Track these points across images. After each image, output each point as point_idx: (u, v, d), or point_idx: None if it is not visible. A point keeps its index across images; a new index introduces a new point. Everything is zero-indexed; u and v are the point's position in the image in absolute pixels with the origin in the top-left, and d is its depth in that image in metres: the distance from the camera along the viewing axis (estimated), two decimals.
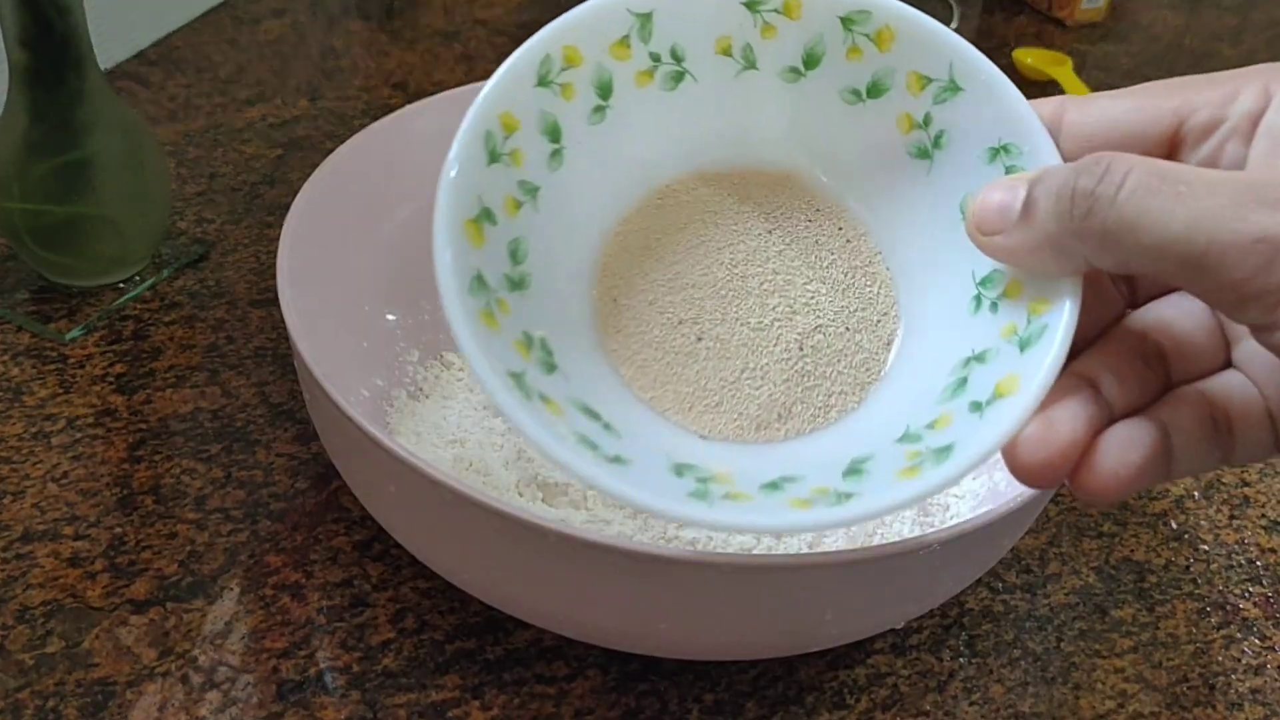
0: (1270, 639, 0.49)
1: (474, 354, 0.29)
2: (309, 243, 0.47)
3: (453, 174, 0.31)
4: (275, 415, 0.53)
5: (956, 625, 0.48)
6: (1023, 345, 0.31)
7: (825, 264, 0.36)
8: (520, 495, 0.45)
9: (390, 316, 0.53)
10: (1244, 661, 0.48)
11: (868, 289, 0.36)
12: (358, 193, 0.52)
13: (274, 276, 0.44)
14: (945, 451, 0.30)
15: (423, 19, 0.85)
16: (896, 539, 0.45)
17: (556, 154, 0.34)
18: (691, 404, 0.34)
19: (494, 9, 0.87)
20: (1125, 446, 0.29)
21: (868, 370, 0.35)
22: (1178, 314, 0.32)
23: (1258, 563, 0.52)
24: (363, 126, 0.53)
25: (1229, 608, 0.50)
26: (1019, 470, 0.30)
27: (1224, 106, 0.30)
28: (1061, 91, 0.82)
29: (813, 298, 0.35)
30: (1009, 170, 0.33)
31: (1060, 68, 0.84)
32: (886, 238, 0.36)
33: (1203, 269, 0.26)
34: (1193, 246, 0.26)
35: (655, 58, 0.35)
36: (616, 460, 0.30)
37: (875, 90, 0.36)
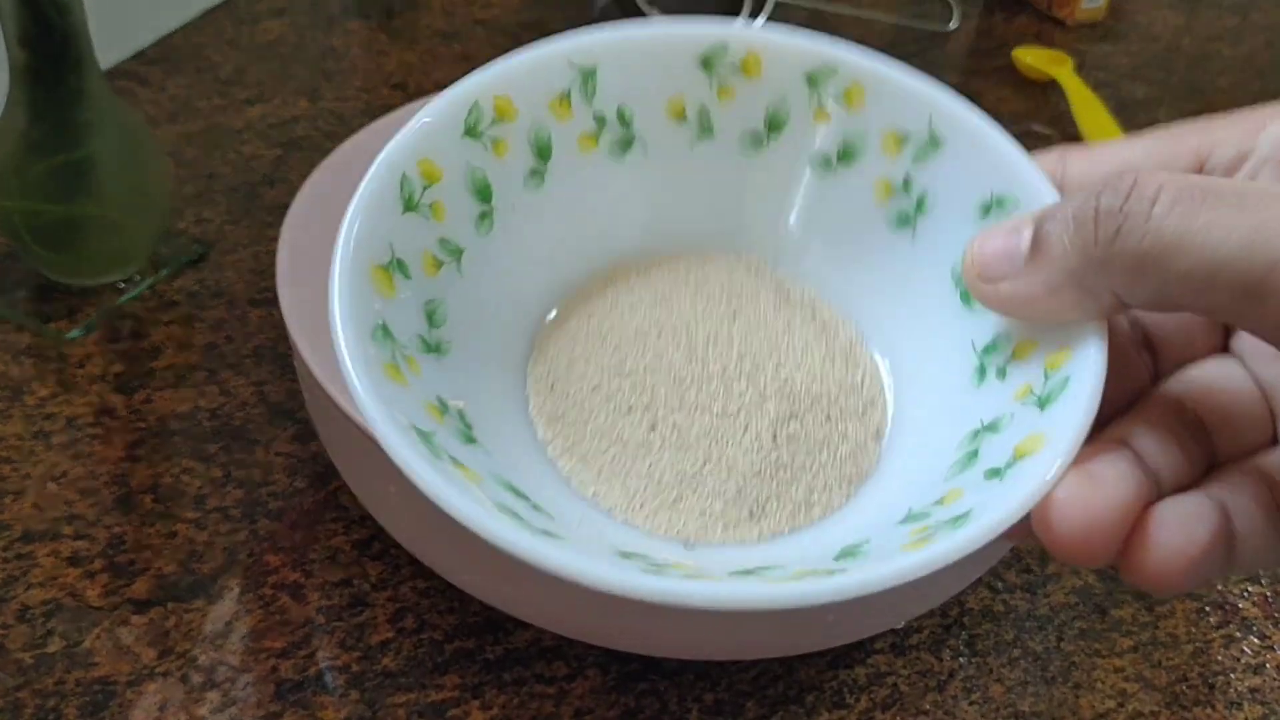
0: (1269, 638, 0.49)
1: (367, 399, 0.25)
2: (308, 243, 0.47)
3: (359, 210, 0.28)
4: (274, 415, 0.53)
5: (957, 625, 0.48)
6: (1042, 403, 0.27)
7: (799, 349, 0.32)
8: None
9: None
10: (1243, 661, 0.48)
11: (850, 375, 0.31)
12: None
13: (273, 276, 0.44)
14: (961, 519, 0.25)
15: (422, 19, 0.85)
16: None
17: (485, 216, 0.31)
18: (644, 501, 0.29)
19: (493, 9, 0.87)
20: (1188, 521, 0.24)
21: (856, 464, 0.30)
22: (1216, 380, 0.27)
23: None
24: (362, 126, 0.53)
25: (1228, 607, 0.50)
26: (1058, 540, 0.24)
27: (1250, 138, 0.27)
28: (1062, 91, 0.82)
29: (786, 384, 0.31)
30: None
31: (1061, 67, 0.84)
32: (868, 317, 0.32)
33: (1263, 297, 0.22)
34: (1252, 268, 0.22)
35: (600, 120, 0.32)
36: (546, 535, 0.25)
37: (847, 155, 0.32)
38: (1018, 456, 0.26)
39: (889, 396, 0.31)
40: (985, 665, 0.46)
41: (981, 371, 0.29)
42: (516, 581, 0.41)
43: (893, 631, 0.47)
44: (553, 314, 0.32)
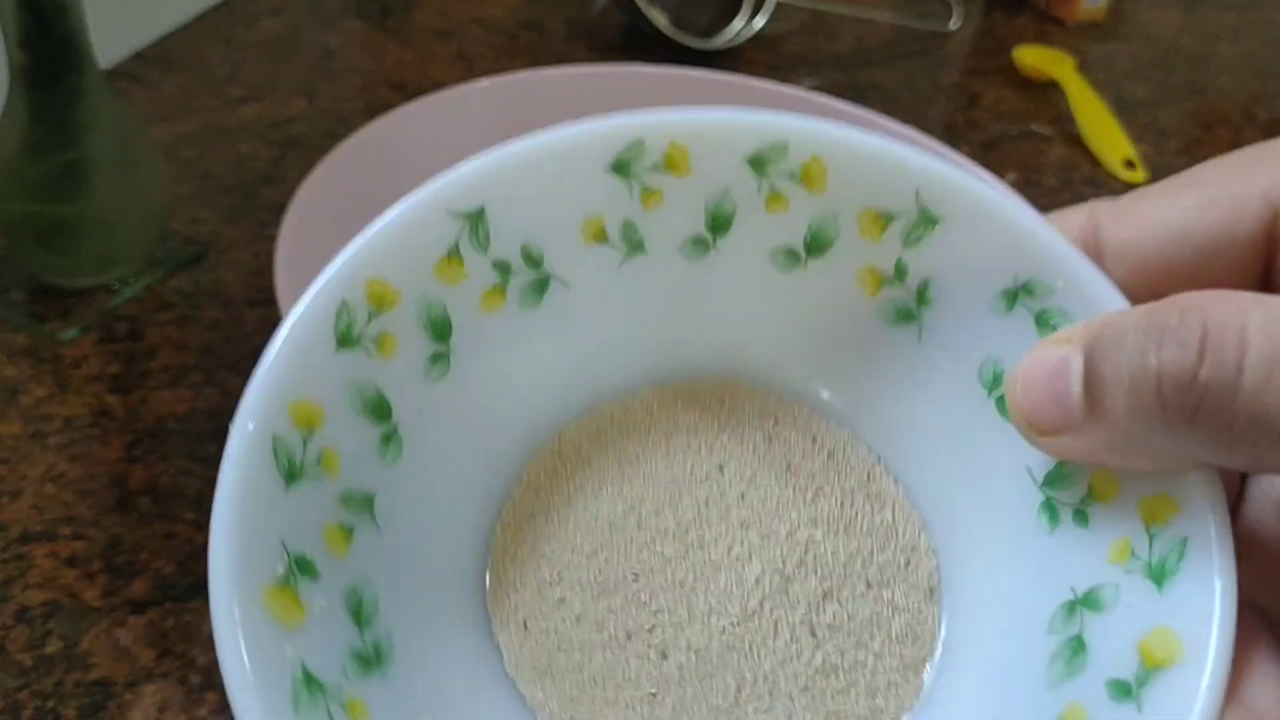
0: None
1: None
2: (306, 243, 0.47)
3: (225, 526, 0.22)
4: None
5: None
6: (1157, 576, 0.21)
7: (809, 495, 0.26)
8: None
9: None
10: None
11: (878, 517, 0.26)
12: (355, 192, 0.51)
13: (270, 276, 0.44)
14: None
15: (420, 18, 0.85)
16: None
17: (390, 439, 0.24)
18: None
19: (491, 8, 0.87)
20: None
21: (916, 640, 0.25)
22: None
23: None
24: (360, 126, 0.53)
25: None
26: None
27: None
28: (1062, 91, 0.82)
29: (807, 549, 0.25)
30: (1041, 319, 0.24)
31: (1061, 67, 0.84)
32: (883, 441, 0.27)
33: None
34: None
35: (502, 268, 0.26)
36: None
37: (817, 245, 0.26)
38: (1149, 666, 0.20)
39: (929, 545, 0.26)
40: None
41: (1051, 512, 0.23)
42: None
43: None
44: (500, 524, 0.26)
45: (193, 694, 0.42)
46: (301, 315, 0.24)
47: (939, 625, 0.24)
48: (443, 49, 0.82)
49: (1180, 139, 0.82)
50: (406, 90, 0.77)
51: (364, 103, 0.75)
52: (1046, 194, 0.74)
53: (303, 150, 0.70)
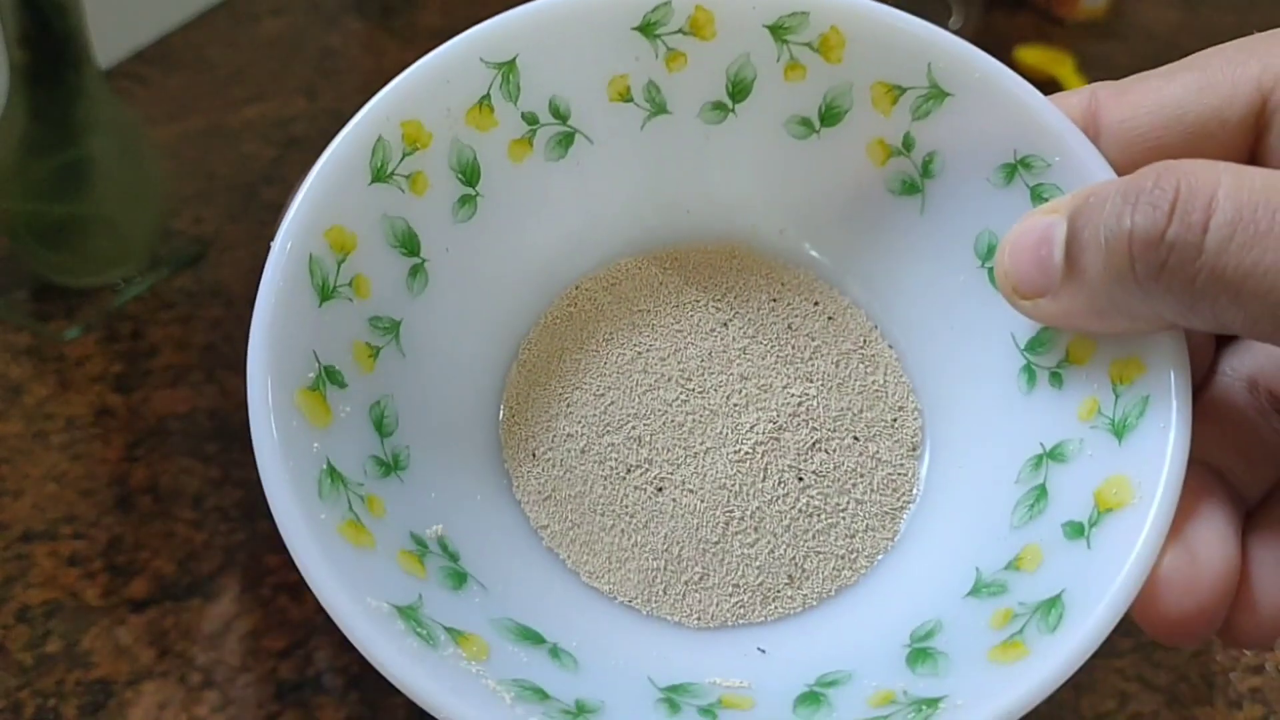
0: None
1: (336, 599, 0.22)
2: None
3: (265, 324, 0.23)
4: None
5: None
6: (1118, 430, 0.22)
7: (806, 354, 0.27)
8: None
9: None
10: (1243, 661, 0.48)
11: (870, 377, 0.27)
12: None
13: None
14: (1053, 608, 0.22)
15: (421, 18, 0.85)
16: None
17: (417, 271, 0.26)
18: (666, 585, 0.25)
19: (491, 7, 0.87)
20: None
21: (896, 491, 0.26)
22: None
23: None
24: None
25: None
26: (1165, 628, 0.22)
27: None
28: (1063, 91, 0.82)
29: (800, 403, 0.26)
30: (1036, 192, 0.25)
31: (1061, 66, 0.84)
32: (881, 307, 0.28)
33: None
34: None
35: (530, 119, 0.27)
36: (581, 711, 0.22)
37: (831, 115, 0.27)
38: (1101, 509, 0.22)
39: (917, 402, 0.27)
40: None
41: (1030, 374, 0.25)
42: None
43: None
44: (516, 360, 0.27)
45: (192, 693, 0.42)
46: (339, 148, 0.25)
47: (918, 479, 0.26)
48: None
49: None
50: None
51: (364, 102, 0.75)
52: None
53: (304, 150, 0.70)
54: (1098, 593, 0.22)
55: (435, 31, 0.83)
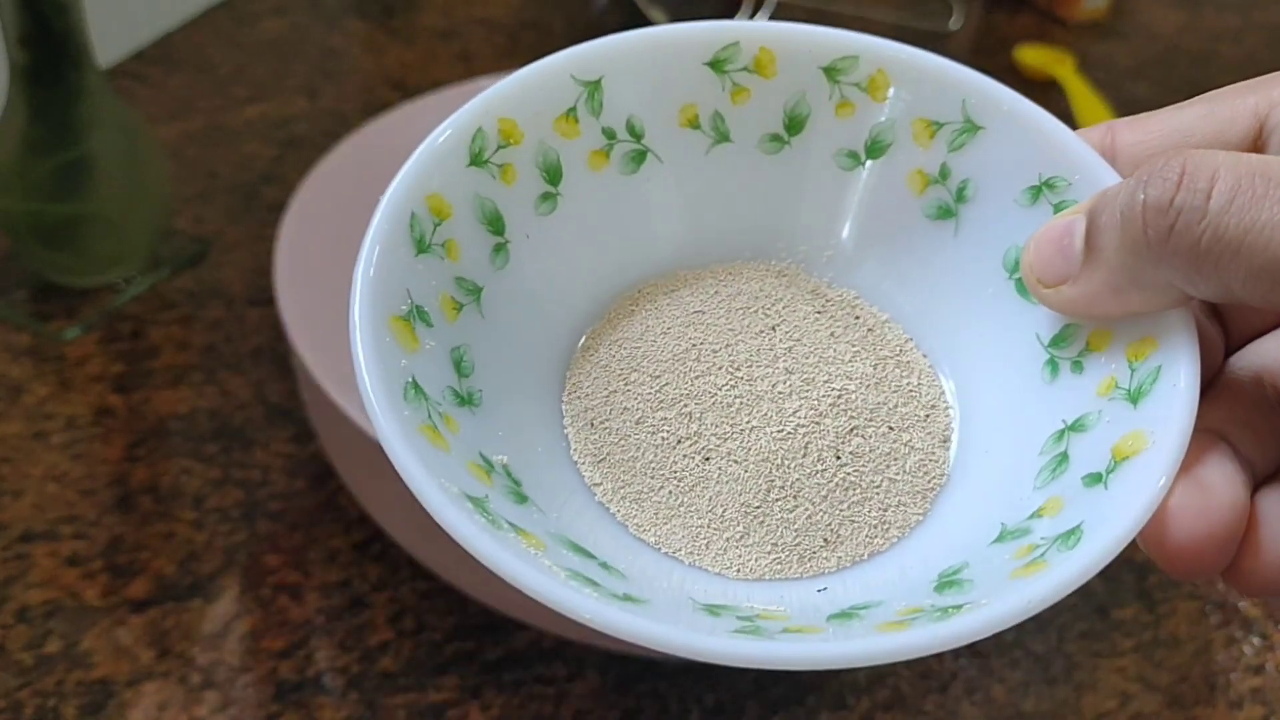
0: (1270, 638, 0.48)
1: (412, 467, 0.24)
2: (307, 242, 0.47)
3: (372, 258, 0.26)
4: (273, 415, 0.53)
5: None
6: (1134, 398, 0.25)
7: (846, 359, 0.30)
8: None
9: None
10: (1244, 661, 0.48)
11: (905, 380, 0.30)
12: (356, 192, 0.51)
13: (272, 276, 0.44)
14: (1072, 535, 0.24)
15: (421, 18, 0.85)
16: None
17: (500, 249, 0.29)
18: (709, 540, 0.27)
19: (492, 8, 0.87)
20: None
21: (927, 474, 0.28)
22: None
23: None
24: (361, 125, 0.53)
25: (1229, 607, 0.50)
26: (1173, 555, 0.23)
27: None
28: (1063, 90, 0.82)
29: (840, 397, 0.29)
30: (1058, 208, 0.27)
31: (1062, 67, 0.84)
32: (916, 318, 0.31)
33: None
34: None
35: (609, 134, 0.30)
36: (627, 599, 0.24)
37: (876, 149, 0.31)
38: (1118, 459, 0.24)
39: (951, 399, 0.30)
40: (987, 666, 0.46)
41: (1053, 366, 0.27)
42: None
43: None
44: (581, 344, 0.30)
45: (192, 693, 0.42)
46: (445, 130, 0.28)
47: (949, 465, 0.29)
48: (444, 49, 0.82)
49: None
50: (407, 90, 0.77)
51: (365, 102, 0.75)
52: None
53: (304, 149, 0.70)
54: (1115, 518, 0.23)
55: (436, 32, 0.83)
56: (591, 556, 0.26)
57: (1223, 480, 0.23)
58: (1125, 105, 0.84)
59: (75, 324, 0.56)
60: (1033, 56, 0.85)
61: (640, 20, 0.79)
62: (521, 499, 0.26)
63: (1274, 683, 0.47)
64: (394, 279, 0.26)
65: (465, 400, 0.27)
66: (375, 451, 0.38)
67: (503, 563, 0.23)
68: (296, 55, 0.79)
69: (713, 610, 0.25)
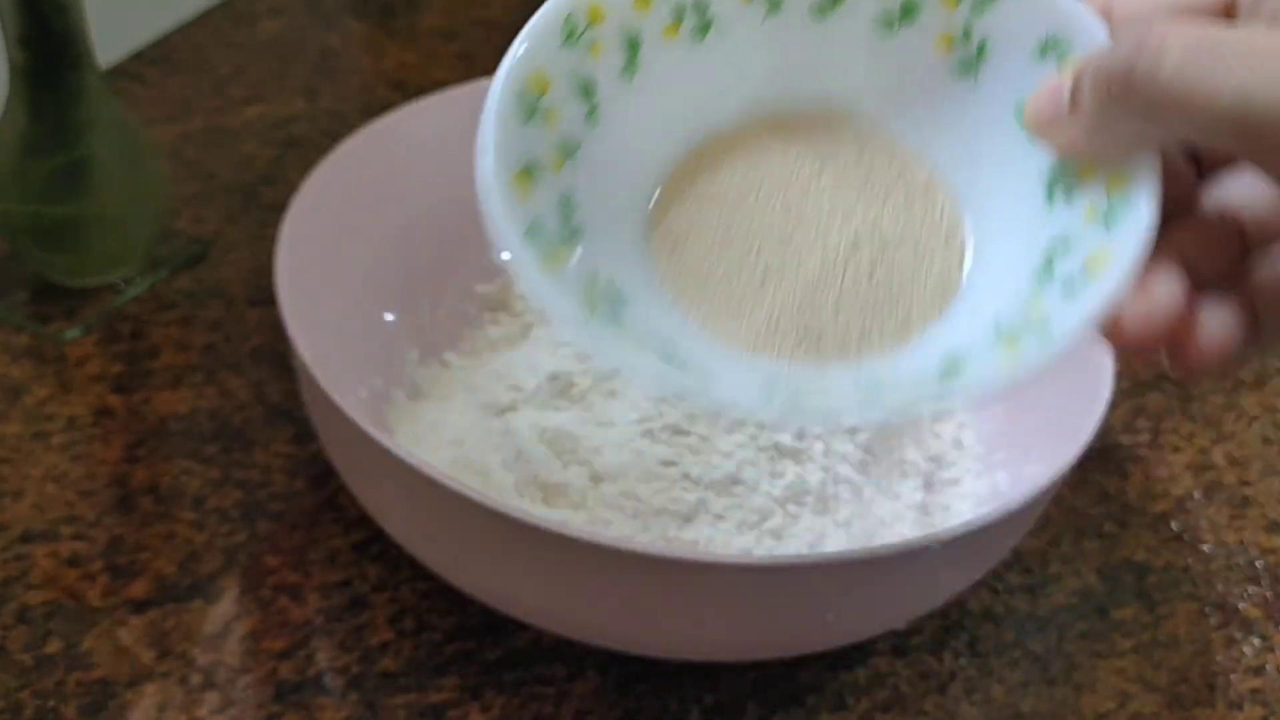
0: (1270, 639, 0.49)
1: (543, 290, 0.31)
2: (307, 242, 0.47)
3: (493, 128, 0.33)
4: (273, 415, 0.53)
5: (957, 626, 0.47)
6: (1107, 222, 0.31)
7: (882, 195, 0.36)
8: (520, 496, 0.45)
9: (389, 316, 0.53)
10: (1244, 662, 0.48)
11: (930, 212, 0.35)
12: (356, 192, 0.52)
13: (271, 276, 0.44)
14: (1043, 326, 0.31)
15: (421, 18, 0.85)
16: (897, 539, 0.45)
17: (592, 112, 0.35)
18: (769, 338, 0.34)
19: (492, 8, 0.87)
20: (1224, 318, 0.29)
21: (944, 285, 0.35)
22: (1249, 188, 0.31)
23: (1258, 563, 0.52)
24: (361, 126, 0.53)
25: (1229, 608, 0.50)
26: (1123, 346, 0.30)
27: None
28: None
29: (875, 225, 0.35)
30: (1061, 64, 0.33)
31: None
32: (943, 160, 0.36)
33: (1257, 140, 0.26)
34: (1244, 117, 0.25)
35: (679, 11, 0.36)
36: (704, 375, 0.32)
37: (908, 14, 0.36)
38: (1089, 271, 0.30)
39: (967, 225, 0.35)
40: (986, 666, 0.46)
41: (1050, 194, 0.33)
42: (516, 582, 0.40)
43: (893, 632, 0.47)
44: (661, 188, 0.36)
45: (193, 694, 0.42)
46: (541, 17, 0.34)
47: (962, 279, 0.34)
48: (444, 49, 0.82)
49: None
50: (407, 90, 0.77)
51: (365, 103, 0.75)
52: None
53: (304, 150, 0.70)
54: (1076, 317, 0.30)
55: (436, 32, 0.83)
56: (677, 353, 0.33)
57: (1166, 291, 0.29)
58: None
59: (75, 325, 0.56)
60: None
61: None
62: (622, 305, 0.33)
63: (1274, 684, 0.47)
64: (512, 145, 0.33)
65: (571, 236, 0.33)
66: (376, 451, 0.38)
67: (613, 355, 0.31)
68: (296, 56, 0.79)
69: (770, 387, 0.32)
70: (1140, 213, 0.30)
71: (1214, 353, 0.29)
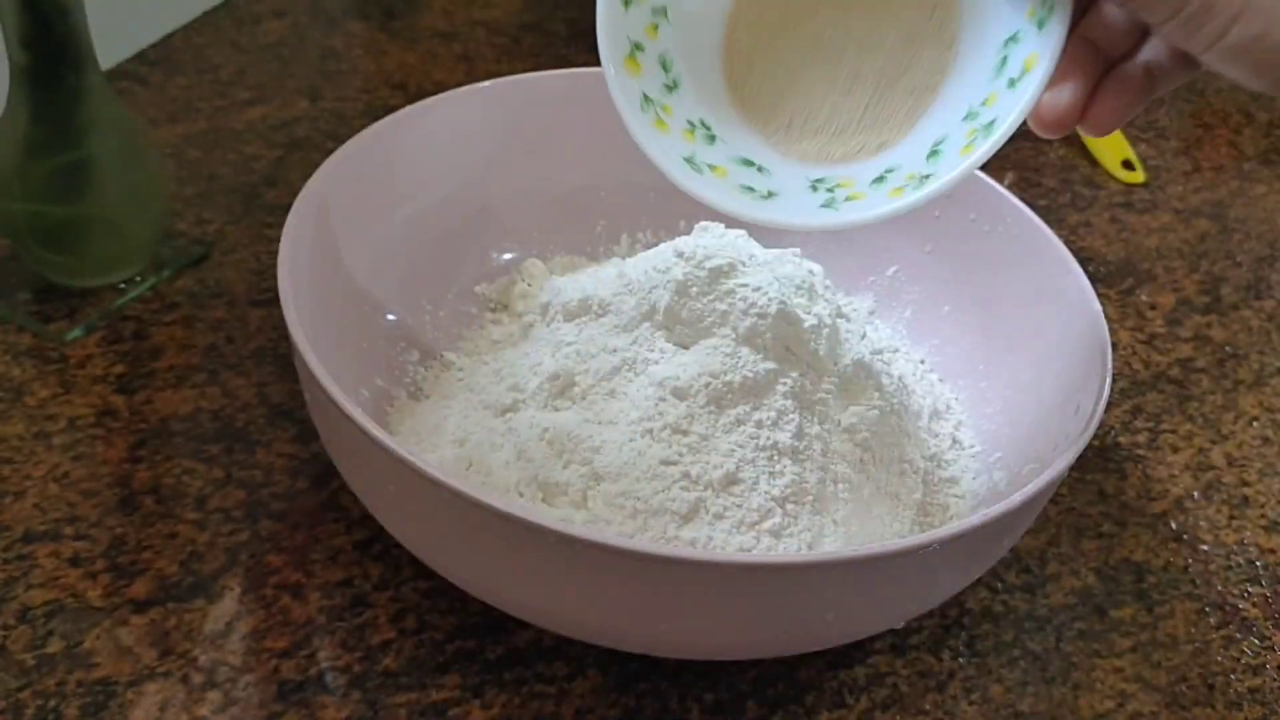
0: (1269, 639, 0.49)
1: (656, 156, 0.39)
2: (309, 243, 0.47)
3: (604, 22, 0.40)
4: (275, 415, 0.53)
5: (956, 625, 0.48)
6: (1040, 24, 0.38)
7: (895, 10, 0.42)
8: (520, 495, 0.45)
9: (390, 316, 0.53)
10: (1243, 661, 0.48)
11: (937, 33, 0.41)
12: (358, 193, 0.52)
13: (273, 277, 0.44)
14: (990, 127, 0.38)
15: (422, 20, 0.85)
16: (896, 539, 0.45)
17: None
18: (818, 147, 0.41)
19: (493, 10, 0.87)
20: (1117, 89, 0.38)
21: (941, 65, 0.41)
22: None
23: (1257, 563, 0.52)
24: (363, 127, 0.53)
25: (1228, 608, 0.50)
26: (1041, 126, 0.39)
27: None
28: None
29: (892, 23, 0.42)
30: None
31: None
32: None
33: None
34: None
35: None
36: (770, 195, 0.40)
37: None
38: (1025, 70, 0.37)
39: (957, 18, 0.41)
40: (985, 666, 0.46)
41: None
42: (517, 581, 0.41)
43: (892, 632, 0.47)
44: (727, 22, 0.43)
45: (194, 693, 0.42)
46: None
47: (950, 72, 0.41)
48: (445, 50, 0.82)
49: (1180, 139, 0.82)
50: (408, 91, 0.77)
51: (366, 104, 0.75)
52: (1045, 194, 0.74)
53: (305, 151, 0.70)
54: (1011, 115, 0.37)
55: (437, 34, 0.83)
56: (752, 163, 0.41)
57: (1071, 87, 0.38)
58: None
59: (77, 325, 0.56)
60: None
61: None
62: (712, 139, 0.41)
63: (1273, 683, 0.47)
64: (618, 32, 0.40)
65: (671, 88, 0.41)
66: (377, 451, 0.38)
67: (710, 196, 0.38)
68: (297, 57, 0.80)
69: (814, 185, 0.40)
70: (1061, 22, 0.37)
71: (1108, 119, 0.39)
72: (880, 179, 0.39)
